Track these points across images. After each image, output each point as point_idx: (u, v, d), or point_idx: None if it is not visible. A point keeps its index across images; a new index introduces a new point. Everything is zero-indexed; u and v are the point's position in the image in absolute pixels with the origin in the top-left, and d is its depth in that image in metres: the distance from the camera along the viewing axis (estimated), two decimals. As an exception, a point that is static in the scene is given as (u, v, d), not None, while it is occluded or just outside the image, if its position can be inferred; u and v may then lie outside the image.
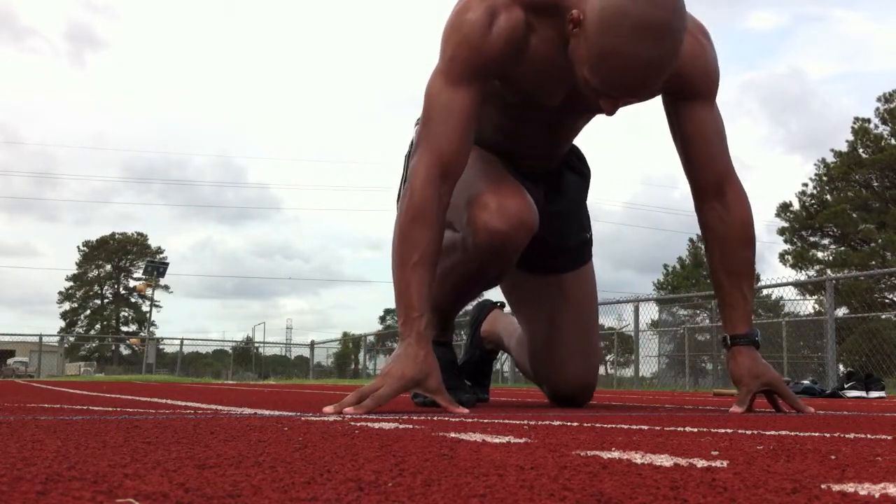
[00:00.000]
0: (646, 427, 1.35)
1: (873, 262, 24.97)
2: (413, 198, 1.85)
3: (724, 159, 2.11)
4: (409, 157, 2.30)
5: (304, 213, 74.33)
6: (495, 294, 2.71)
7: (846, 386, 5.43)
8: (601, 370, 16.12)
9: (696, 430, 1.30)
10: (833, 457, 0.87)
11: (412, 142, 2.27)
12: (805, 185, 29.83)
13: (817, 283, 14.21)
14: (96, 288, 51.67)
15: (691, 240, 36.45)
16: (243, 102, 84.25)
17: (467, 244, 2.04)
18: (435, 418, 1.55)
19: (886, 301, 22.15)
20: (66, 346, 37.83)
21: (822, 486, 0.63)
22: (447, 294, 2.25)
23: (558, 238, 2.34)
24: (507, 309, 2.76)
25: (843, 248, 28.24)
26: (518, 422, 1.46)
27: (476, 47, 1.86)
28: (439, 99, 1.89)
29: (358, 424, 1.32)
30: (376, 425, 1.30)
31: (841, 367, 9.13)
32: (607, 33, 1.67)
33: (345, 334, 25.63)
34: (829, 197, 29.27)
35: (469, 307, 2.73)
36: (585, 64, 1.73)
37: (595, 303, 2.52)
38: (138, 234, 52.69)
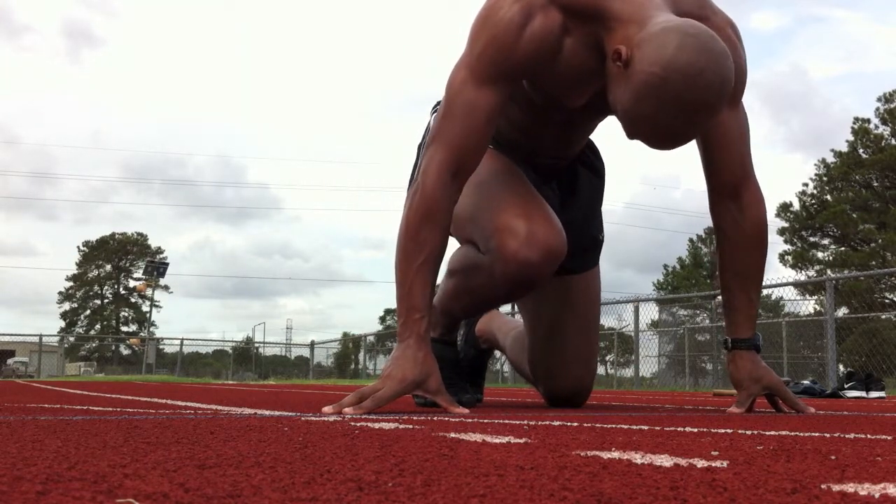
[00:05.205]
0: (646, 427, 1.35)
1: (873, 262, 24.98)
2: (424, 196, 1.82)
3: (744, 161, 2.07)
4: (421, 146, 2.27)
5: (304, 213, 74.44)
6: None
7: (846, 386, 5.43)
8: (601, 370, 16.16)
9: (696, 430, 1.30)
10: (833, 457, 0.87)
11: (427, 127, 2.24)
12: (805, 185, 29.89)
13: (817, 283, 14.21)
14: (96, 288, 51.67)
15: (691, 240, 36.51)
16: (243, 102, 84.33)
17: (494, 271, 1.99)
18: (435, 418, 1.55)
19: (886, 301, 22.13)
20: (66, 346, 37.82)
21: (822, 487, 0.63)
22: (464, 308, 2.24)
23: (572, 242, 2.29)
24: (503, 308, 2.75)
25: (843, 248, 28.25)
26: (518, 422, 1.46)
27: (506, 49, 1.79)
28: (461, 95, 1.83)
29: (358, 424, 1.32)
30: (376, 425, 1.30)
31: (841, 368, 9.13)
32: (648, 100, 1.62)
33: (345, 334, 25.62)
34: (829, 197, 29.28)
35: None
36: (620, 106, 1.70)
37: (598, 306, 2.51)
38: (138, 234, 52.74)
